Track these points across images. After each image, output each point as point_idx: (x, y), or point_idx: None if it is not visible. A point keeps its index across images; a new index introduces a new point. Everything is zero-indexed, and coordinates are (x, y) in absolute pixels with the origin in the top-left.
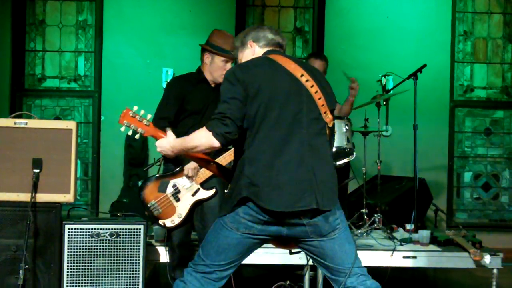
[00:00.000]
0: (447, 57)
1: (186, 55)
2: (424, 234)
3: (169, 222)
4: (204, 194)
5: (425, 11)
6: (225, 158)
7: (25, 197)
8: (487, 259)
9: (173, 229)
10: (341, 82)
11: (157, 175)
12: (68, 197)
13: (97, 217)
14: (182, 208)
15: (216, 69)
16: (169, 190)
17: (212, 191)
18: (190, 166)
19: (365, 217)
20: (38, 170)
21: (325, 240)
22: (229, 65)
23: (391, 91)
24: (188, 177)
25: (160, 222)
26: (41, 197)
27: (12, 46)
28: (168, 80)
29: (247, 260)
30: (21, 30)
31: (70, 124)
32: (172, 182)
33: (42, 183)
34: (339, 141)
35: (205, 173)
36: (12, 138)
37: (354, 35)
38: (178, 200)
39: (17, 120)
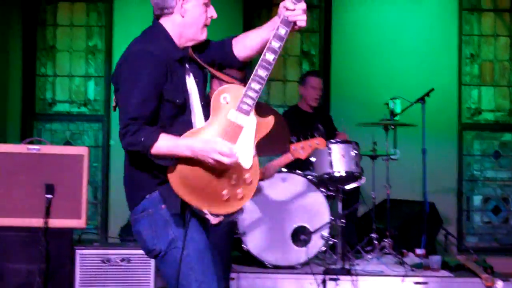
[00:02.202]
0: (454, 80)
1: None
2: (435, 259)
3: None
4: (212, 220)
5: (431, 34)
6: None
7: (37, 222)
8: (499, 285)
9: None
10: (348, 104)
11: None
12: (80, 223)
13: (107, 241)
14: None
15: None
16: None
17: (220, 218)
18: None
19: (375, 242)
20: (50, 196)
21: None
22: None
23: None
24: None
25: None
26: (53, 223)
27: (23, 71)
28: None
29: None
30: (32, 55)
31: (82, 150)
32: None
33: (54, 208)
34: (348, 165)
35: None
36: (24, 164)
37: (360, 57)
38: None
39: (30, 146)
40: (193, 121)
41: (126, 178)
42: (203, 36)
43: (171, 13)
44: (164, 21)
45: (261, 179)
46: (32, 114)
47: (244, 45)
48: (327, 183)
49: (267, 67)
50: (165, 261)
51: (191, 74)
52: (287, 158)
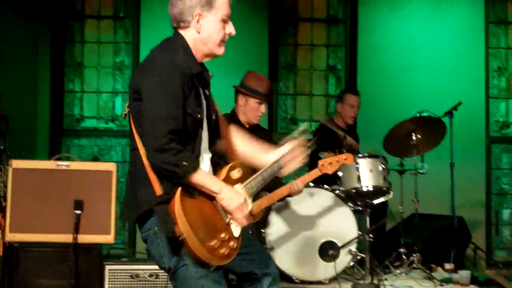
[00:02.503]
0: (481, 93)
1: (219, 95)
2: (465, 274)
3: None
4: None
5: (458, 47)
6: None
7: (66, 238)
8: None
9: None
10: (373, 119)
11: None
12: (109, 238)
13: (135, 257)
14: None
15: (250, 110)
16: None
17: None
18: None
19: (403, 256)
20: (79, 212)
21: None
22: (263, 107)
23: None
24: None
25: None
26: (83, 238)
27: (51, 87)
28: None
29: None
30: (60, 71)
31: (111, 166)
32: None
33: (83, 224)
34: (375, 180)
35: None
36: (54, 180)
37: (387, 72)
38: None
39: (59, 162)
40: (203, 136)
41: (132, 195)
42: (220, 51)
43: (187, 27)
44: (183, 33)
45: (289, 195)
46: (60, 130)
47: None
48: (354, 198)
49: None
50: (175, 279)
51: (202, 89)
52: (314, 173)
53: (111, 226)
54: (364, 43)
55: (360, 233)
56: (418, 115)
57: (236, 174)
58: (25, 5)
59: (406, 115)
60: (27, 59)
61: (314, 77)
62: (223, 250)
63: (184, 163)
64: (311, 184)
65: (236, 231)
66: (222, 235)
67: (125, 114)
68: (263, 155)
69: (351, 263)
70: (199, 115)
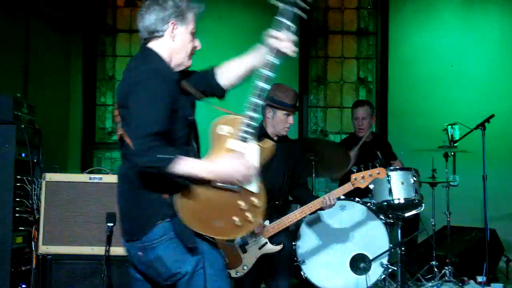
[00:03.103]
0: None
1: None
2: (497, 287)
3: (234, 273)
4: (271, 248)
5: (489, 59)
6: None
7: (99, 250)
8: None
9: (242, 280)
10: (405, 131)
11: None
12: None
13: None
14: (248, 260)
15: (278, 122)
16: (237, 240)
17: (279, 247)
18: None
19: (435, 269)
20: (112, 224)
21: None
22: (291, 118)
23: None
24: (253, 233)
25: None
26: (115, 251)
27: (83, 100)
28: None
29: None
30: (92, 85)
31: None
32: None
33: (116, 236)
34: (407, 192)
35: (274, 228)
36: (86, 193)
37: (417, 83)
38: (245, 251)
39: (92, 176)
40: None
41: (130, 205)
42: (189, 63)
43: (162, 36)
44: (153, 45)
45: (321, 209)
46: (92, 143)
47: (228, 73)
48: (386, 211)
49: (261, 94)
50: (190, 284)
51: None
52: (347, 187)
53: None
54: (395, 55)
55: (391, 245)
56: (449, 127)
57: (222, 130)
58: (58, 20)
59: (437, 127)
60: (60, 73)
61: (344, 89)
62: (249, 215)
63: (165, 156)
64: (343, 197)
65: (252, 187)
66: (241, 207)
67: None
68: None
69: (383, 276)
70: (190, 117)
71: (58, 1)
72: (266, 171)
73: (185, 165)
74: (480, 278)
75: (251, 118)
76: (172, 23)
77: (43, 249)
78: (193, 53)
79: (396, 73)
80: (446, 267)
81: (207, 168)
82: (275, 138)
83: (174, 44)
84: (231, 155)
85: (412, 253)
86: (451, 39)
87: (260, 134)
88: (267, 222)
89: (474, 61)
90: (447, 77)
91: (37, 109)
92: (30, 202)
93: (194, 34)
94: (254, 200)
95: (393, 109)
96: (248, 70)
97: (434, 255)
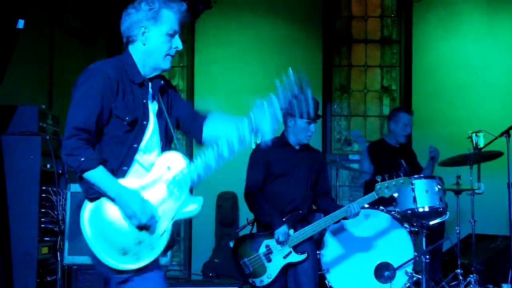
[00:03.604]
0: None
1: None
2: None
3: (258, 282)
4: (295, 257)
5: None
6: None
7: None
8: None
9: None
10: (429, 140)
11: (252, 233)
12: (165, 260)
13: (191, 278)
14: (272, 269)
15: (300, 131)
16: (262, 249)
17: (304, 256)
18: (281, 231)
19: (460, 277)
20: None
21: None
22: (312, 126)
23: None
24: (278, 241)
25: (250, 280)
26: None
27: None
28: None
29: None
30: None
31: None
32: (265, 242)
33: None
34: (431, 201)
35: (298, 237)
36: None
37: (442, 91)
38: (269, 260)
39: None
40: (140, 145)
41: None
42: (165, 65)
43: (135, 40)
44: (131, 49)
45: (345, 218)
46: None
47: (215, 128)
48: (410, 219)
49: (219, 160)
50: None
51: (157, 103)
52: (371, 197)
53: None
54: (419, 63)
55: (416, 254)
56: (474, 135)
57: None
58: (83, 30)
59: (462, 135)
60: None
61: (368, 98)
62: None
63: (80, 157)
64: (367, 206)
65: (159, 229)
66: (136, 239)
67: None
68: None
69: (407, 285)
70: (127, 118)
71: (82, 12)
72: (289, 180)
73: (98, 177)
74: (505, 286)
75: (196, 171)
76: (142, 26)
77: (69, 259)
78: (172, 54)
79: (420, 81)
80: (471, 275)
81: (116, 189)
82: (297, 147)
83: (145, 47)
84: (147, 195)
85: (437, 261)
86: (475, 47)
87: (282, 143)
88: (291, 232)
89: (498, 68)
90: (471, 84)
91: (62, 120)
92: (56, 213)
93: (173, 35)
94: (152, 240)
95: (417, 117)
96: (225, 136)
97: (459, 263)
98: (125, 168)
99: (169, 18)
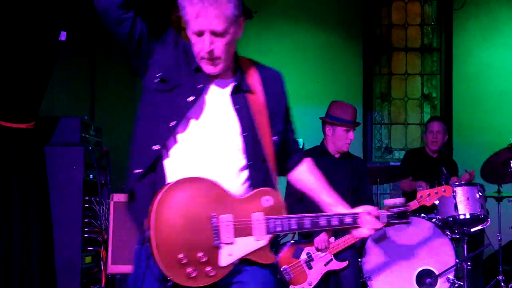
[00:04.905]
0: None
1: (313, 125)
2: None
3: None
4: (336, 265)
5: None
6: None
7: None
8: None
9: None
10: (470, 146)
11: (293, 241)
12: None
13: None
14: (313, 276)
15: (339, 139)
16: (303, 256)
17: (345, 264)
18: (320, 239)
19: (502, 284)
20: None
21: None
22: (351, 134)
23: None
24: (318, 249)
25: (291, 287)
26: None
27: None
28: None
29: None
30: None
31: None
32: (306, 249)
33: None
34: (472, 208)
35: (339, 244)
36: None
37: (482, 99)
38: (310, 267)
39: None
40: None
41: None
42: (205, 68)
43: None
44: None
45: (387, 225)
46: None
47: (299, 179)
48: (452, 226)
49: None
50: None
51: (219, 98)
52: (413, 205)
53: None
54: (459, 71)
55: (458, 261)
56: None
57: (265, 201)
58: None
59: (503, 142)
60: (126, 94)
61: (408, 106)
62: (190, 271)
63: None
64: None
65: (224, 259)
66: (199, 254)
67: None
68: (330, 199)
69: None
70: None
71: None
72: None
73: None
74: None
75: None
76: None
77: (112, 268)
78: (206, 56)
79: (461, 88)
80: None
81: None
82: (337, 156)
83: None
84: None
85: (479, 268)
86: None
87: (321, 152)
88: (332, 239)
89: None
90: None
91: (105, 131)
92: (99, 222)
93: (200, 33)
94: (209, 267)
95: (458, 124)
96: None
97: (500, 269)
98: None
99: (191, 15)
